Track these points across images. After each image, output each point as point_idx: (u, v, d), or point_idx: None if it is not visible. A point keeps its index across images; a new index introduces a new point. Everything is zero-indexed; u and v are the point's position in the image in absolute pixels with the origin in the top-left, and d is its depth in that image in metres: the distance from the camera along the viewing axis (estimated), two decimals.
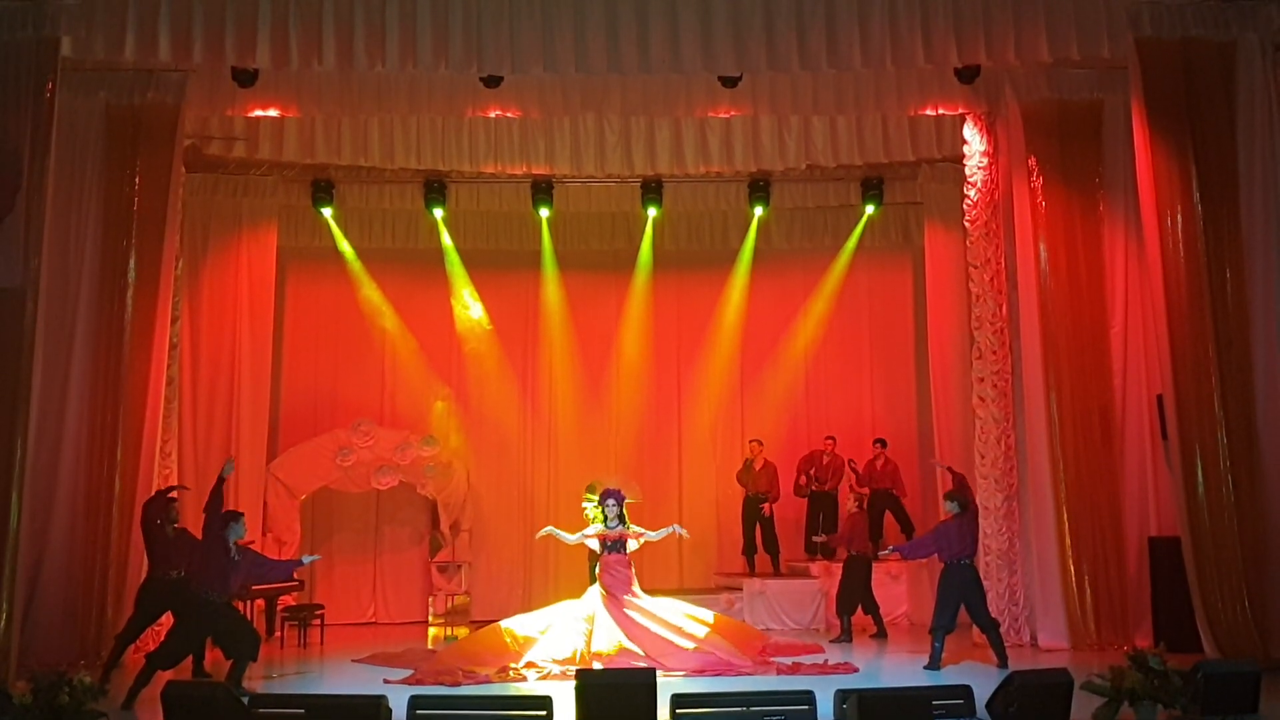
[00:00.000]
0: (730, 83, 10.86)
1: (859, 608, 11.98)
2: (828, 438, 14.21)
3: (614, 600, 10.32)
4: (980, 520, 10.77)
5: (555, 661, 9.86)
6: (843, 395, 14.97)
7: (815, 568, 13.42)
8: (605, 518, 10.64)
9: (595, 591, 10.51)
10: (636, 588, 10.53)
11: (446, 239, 14.38)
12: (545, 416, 14.89)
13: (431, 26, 10.10)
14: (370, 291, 14.52)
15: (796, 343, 15.03)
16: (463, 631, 12.57)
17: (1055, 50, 10.32)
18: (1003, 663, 9.75)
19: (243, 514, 9.55)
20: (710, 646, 10.11)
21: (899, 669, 10.16)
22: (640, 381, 14.97)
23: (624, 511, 10.70)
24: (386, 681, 9.41)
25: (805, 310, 15.02)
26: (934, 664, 9.89)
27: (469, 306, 14.67)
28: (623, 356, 15.00)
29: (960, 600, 10.12)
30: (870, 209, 14.30)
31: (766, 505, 13.77)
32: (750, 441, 14.22)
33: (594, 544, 10.71)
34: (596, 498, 11.03)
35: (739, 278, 14.84)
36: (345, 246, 14.30)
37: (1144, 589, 10.88)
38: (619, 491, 10.83)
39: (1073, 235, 11.18)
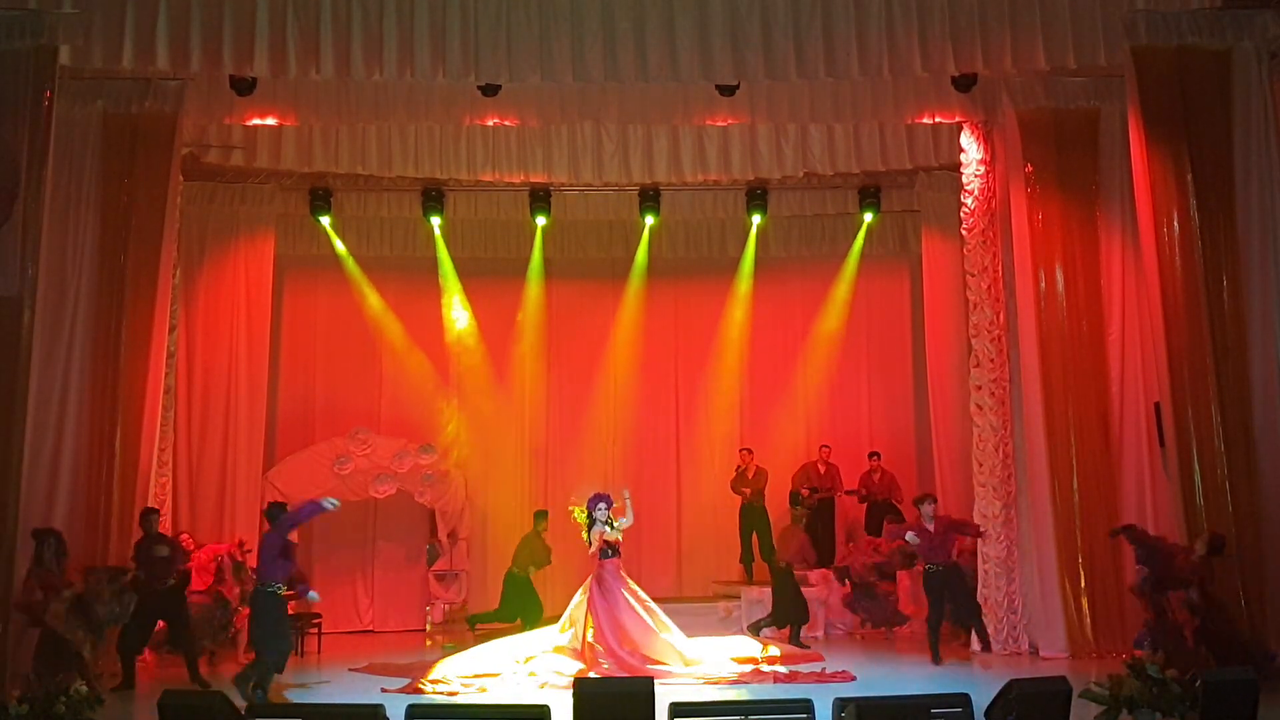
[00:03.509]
0: (728, 91, 10.87)
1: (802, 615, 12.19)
2: (823, 446, 14.23)
3: (606, 592, 10.28)
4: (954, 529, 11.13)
5: (557, 672, 9.84)
6: (841, 403, 14.97)
7: (814, 576, 13.40)
8: (595, 521, 10.58)
9: (587, 585, 10.47)
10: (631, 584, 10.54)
11: (442, 249, 14.38)
12: (542, 424, 14.88)
13: (429, 35, 10.11)
14: (368, 300, 14.52)
15: (794, 351, 15.03)
16: (453, 646, 12.54)
17: (1052, 59, 10.33)
18: (985, 646, 10.28)
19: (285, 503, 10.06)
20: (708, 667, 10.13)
21: (897, 677, 10.14)
22: (638, 389, 14.96)
23: (610, 515, 10.69)
24: (384, 690, 9.40)
25: (803, 318, 15.03)
26: (936, 658, 10.55)
27: (466, 315, 14.67)
28: (620, 364, 14.99)
29: (942, 599, 10.81)
30: (869, 217, 14.31)
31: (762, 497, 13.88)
32: (741, 450, 14.23)
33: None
34: (584, 510, 10.85)
35: (737, 286, 14.84)
36: (342, 248, 14.30)
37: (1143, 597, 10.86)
38: (607, 495, 10.78)
39: (1070, 243, 11.19)
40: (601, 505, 10.62)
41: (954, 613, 10.98)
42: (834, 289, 14.86)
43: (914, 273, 14.36)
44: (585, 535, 10.69)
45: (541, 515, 13.33)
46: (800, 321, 15.05)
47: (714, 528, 14.52)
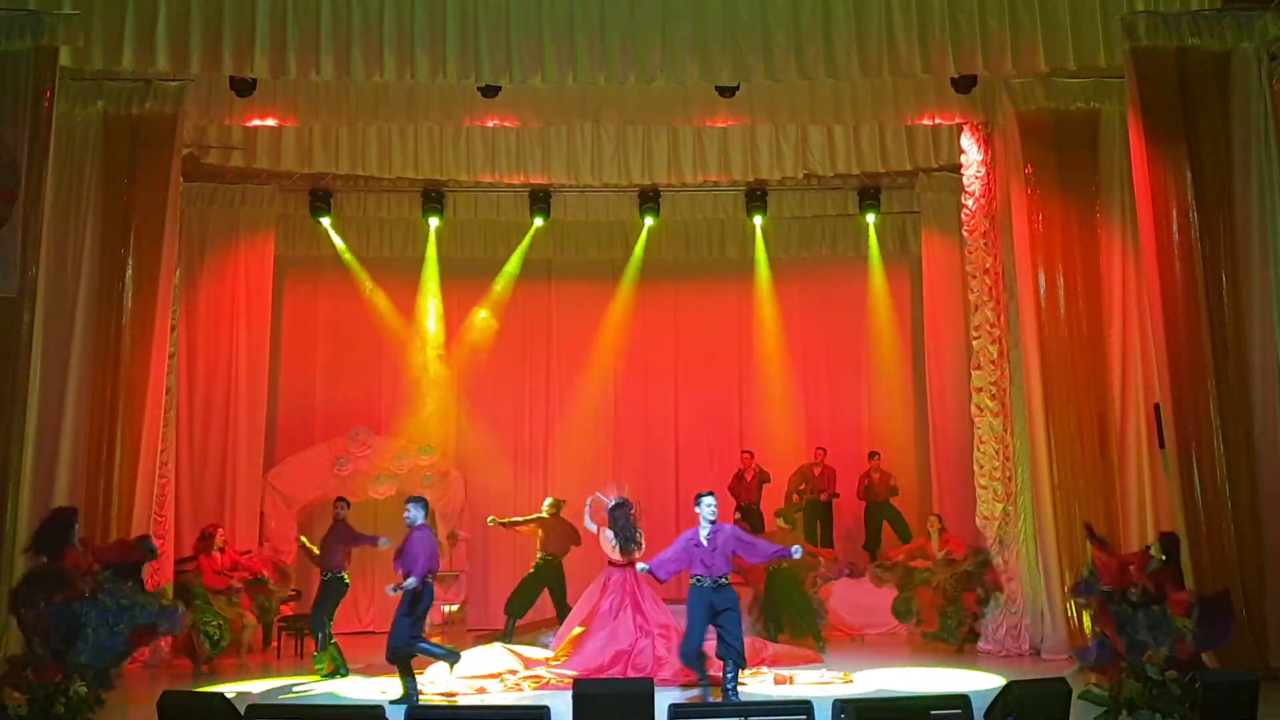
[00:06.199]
0: (727, 92, 10.87)
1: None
2: (818, 448, 14.22)
3: (628, 591, 10.25)
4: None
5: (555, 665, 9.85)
6: (841, 405, 14.99)
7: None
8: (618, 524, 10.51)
9: (600, 588, 10.40)
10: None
11: (432, 251, 14.40)
12: (542, 425, 14.90)
13: (429, 36, 10.11)
14: (368, 300, 14.52)
15: (794, 352, 15.03)
16: (451, 647, 12.54)
17: (1052, 60, 10.32)
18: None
19: None
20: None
21: (897, 678, 10.14)
22: (637, 390, 14.98)
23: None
24: (383, 692, 9.39)
25: (801, 319, 15.02)
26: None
27: (435, 317, 14.66)
28: (619, 365, 14.99)
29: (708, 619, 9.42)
30: (871, 219, 14.31)
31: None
32: (742, 453, 14.22)
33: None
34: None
35: (739, 288, 14.85)
36: (342, 247, 14.30)
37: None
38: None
39: (1070, 244, 11.17)
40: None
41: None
42: (833, 290, 14.86)
43: (914, 273, 14.36)
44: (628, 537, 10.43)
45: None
46: (799, 322, 15.04)
47: None
